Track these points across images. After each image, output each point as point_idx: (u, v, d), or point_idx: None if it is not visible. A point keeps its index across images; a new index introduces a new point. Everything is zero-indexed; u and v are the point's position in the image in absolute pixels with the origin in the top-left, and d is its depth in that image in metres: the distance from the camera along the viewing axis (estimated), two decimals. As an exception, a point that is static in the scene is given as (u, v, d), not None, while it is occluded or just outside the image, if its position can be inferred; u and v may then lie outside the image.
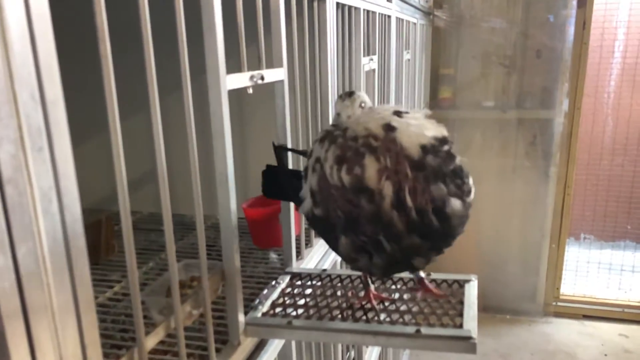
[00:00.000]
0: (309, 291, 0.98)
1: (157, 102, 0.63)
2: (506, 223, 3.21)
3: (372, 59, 1.58)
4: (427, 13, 2.84)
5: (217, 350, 0.81)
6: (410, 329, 0.82)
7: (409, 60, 2.29)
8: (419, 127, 0.75)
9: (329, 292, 0.97)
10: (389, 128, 0.73)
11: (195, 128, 0.73)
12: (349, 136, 0.74)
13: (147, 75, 0.62)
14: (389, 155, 0.71)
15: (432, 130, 0.76)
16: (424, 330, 0.82)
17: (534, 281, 3.26)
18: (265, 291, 0.96)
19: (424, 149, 0.73)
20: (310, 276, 1.04)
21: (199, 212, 0.72)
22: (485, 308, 3.25)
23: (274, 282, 0.99)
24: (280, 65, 0.95)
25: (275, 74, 0.92)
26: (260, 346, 0.91)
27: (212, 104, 0.74)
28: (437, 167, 0.73)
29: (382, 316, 0.87)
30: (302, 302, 0.93)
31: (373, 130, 0.74)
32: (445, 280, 0.99)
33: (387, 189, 0.71)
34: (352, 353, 1.71)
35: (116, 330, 0.98)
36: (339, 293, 0.96)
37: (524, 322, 3.26)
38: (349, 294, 0.95)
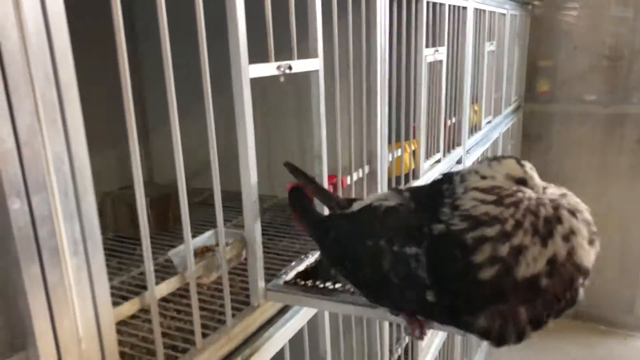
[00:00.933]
0: (334, 267, 1.04)
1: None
2: (604, 226, 2.99)
3: (437, 50, 1.59)
4: (524, 3, 2.72)
5: (238, 310, 0.91)
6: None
7: (492, 51, 2.23)
8: None
9: (352, 270, 1.03)
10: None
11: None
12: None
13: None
14: None
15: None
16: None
17: (633, 292, 3.02)
18: (293, 263, 1.04)
19: None
20: (342, 255, 1.11)
21: (217, 185, 0.82)
22: (577, 315, 3.07)
23: (302, 256, 1.07)
24: (316, 56, 1.01)
25: (307, 65, 0.98)
26: (282, 312, 0.99)
27: (234, 92, 0.82)
28: None
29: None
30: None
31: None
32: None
33: None
34: (407, 339, 1.74)
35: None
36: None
37: (620, 335, 3.04)
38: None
